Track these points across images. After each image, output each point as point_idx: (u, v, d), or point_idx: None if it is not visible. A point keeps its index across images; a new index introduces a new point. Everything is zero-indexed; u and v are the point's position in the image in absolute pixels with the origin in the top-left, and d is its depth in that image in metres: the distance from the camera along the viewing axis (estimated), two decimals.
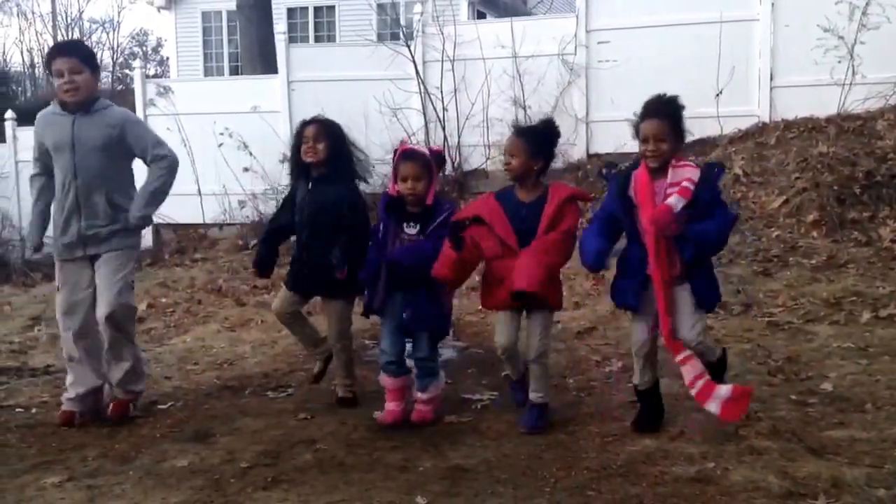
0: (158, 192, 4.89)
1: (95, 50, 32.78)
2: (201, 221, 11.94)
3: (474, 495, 3.53)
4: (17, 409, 5.25)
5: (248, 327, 7.51)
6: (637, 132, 4.06)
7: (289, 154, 5.28)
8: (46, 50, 32.83)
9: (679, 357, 4.01)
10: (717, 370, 4.12)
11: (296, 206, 5.04)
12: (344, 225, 4.83)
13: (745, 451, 3.81)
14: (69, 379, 4.90)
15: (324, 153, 4.90)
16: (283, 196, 5.31)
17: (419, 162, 4.45)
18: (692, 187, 3.90)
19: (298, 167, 5.06)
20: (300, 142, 4.97)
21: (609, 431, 4.21)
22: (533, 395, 4.37)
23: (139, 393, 5.03)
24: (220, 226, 11.90)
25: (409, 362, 4.65)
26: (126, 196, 4.88)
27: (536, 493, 3.52)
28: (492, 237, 4.25)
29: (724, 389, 3.95)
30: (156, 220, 12.10)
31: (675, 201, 3.88)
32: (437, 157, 4.65)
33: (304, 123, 5.05)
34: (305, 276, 4.98)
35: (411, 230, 4.48)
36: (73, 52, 4.81)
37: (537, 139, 4.32)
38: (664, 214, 3.86)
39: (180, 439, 4.51)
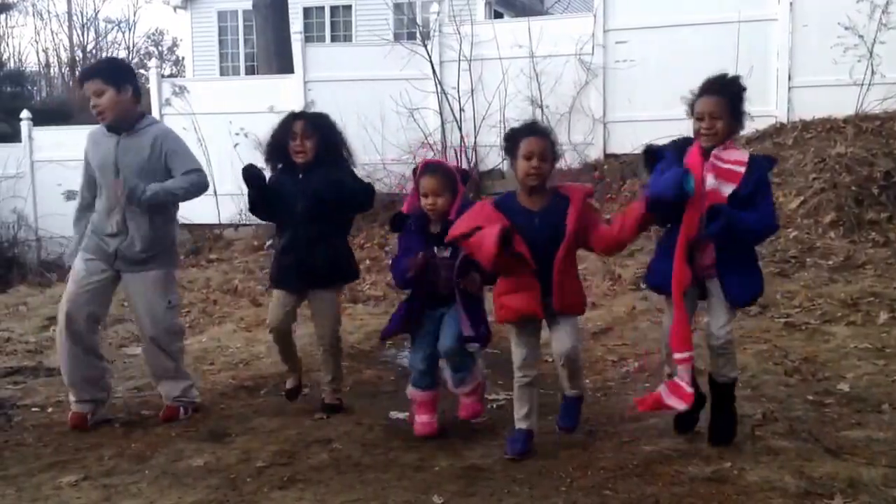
0: (174, 190, 4.70)
1: (116, 52, 33.00)
2: (217, 222, 11.98)
3: (490, 494, 3.53)
4: (34, 409, 5.27)
5: (264, 327, 7.48)
6: (692, 110, 3.88)
7: (269, 140, 4.99)
8: (65, 52, 33.43)
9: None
10: (724, 397, 3.92)
11: (282, 198, 4.82)
12: (346, 202, 4.72)
13: (761, 450, 3.79)
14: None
15: (312, 152, 4.76)
16: None
17: (440, 175, 4.17)
18: (741, 170, 3.72)
19: (282, 159, 4.89)
20: (286, 134, 4.80)
21: (625, 431, 4.20)
22: (577, 391, 4.14)
23: (192, 400, 4.99)
24: (236, 226, 11.93)
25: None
26: (169, 219, 4.84)
27: (552, 492, 3.51)
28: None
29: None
30: None
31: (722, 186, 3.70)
32: (463, 175, 4.35)
33: (293, 117, 4.87)
34: (299, 269, 4.75)
35: (443, 253, 4.17)
36: (94, 74, 4.69)
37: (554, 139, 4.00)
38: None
39: (196, 439, 4.52)
